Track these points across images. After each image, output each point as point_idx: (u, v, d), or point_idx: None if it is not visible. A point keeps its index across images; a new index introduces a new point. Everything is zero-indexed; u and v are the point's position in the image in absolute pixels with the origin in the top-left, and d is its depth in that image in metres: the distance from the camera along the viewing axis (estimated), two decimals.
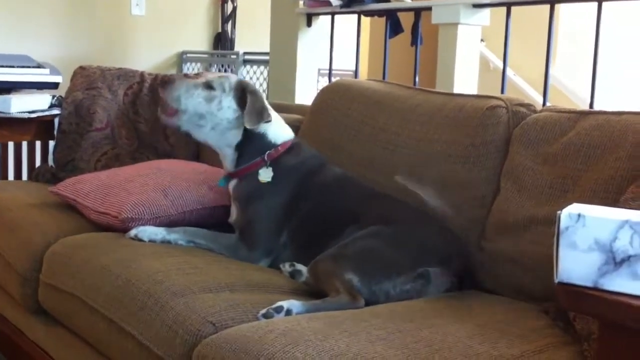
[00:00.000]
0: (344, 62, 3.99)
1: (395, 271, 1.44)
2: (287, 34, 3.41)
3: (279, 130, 1.79)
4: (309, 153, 1.80)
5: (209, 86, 1.75)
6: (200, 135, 1.78)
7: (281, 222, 1.70)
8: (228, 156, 1.78)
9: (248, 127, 1.73)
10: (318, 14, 3.40)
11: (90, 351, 1.63)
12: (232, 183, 1.79)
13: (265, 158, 1.74)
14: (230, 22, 4.68)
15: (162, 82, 1.78)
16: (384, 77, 3.11)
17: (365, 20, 3.97)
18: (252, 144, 1.76)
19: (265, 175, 1.73)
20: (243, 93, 1.75)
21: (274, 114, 1.79)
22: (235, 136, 1.76)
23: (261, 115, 1.74)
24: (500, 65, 2.77)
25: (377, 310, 1.34)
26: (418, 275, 1.44)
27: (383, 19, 3.18)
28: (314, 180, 1.73)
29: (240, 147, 1.76)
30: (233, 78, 1.79)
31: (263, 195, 1.73)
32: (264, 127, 1.76)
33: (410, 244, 1.49)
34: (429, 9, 2.61)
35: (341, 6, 3.16)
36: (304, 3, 3.45)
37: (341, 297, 1.37)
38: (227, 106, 1.74)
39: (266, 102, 1.78)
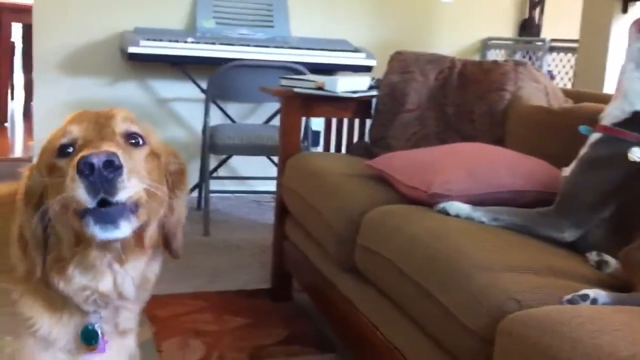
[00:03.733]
0: None
1: None
2: (599, 21, 3.27)
3: None
4: None
5: None
6: (628, 71, 1.75)
7: (608, 197, 1.68)
8: (619, 110, 1.75)
9: None
10: (635, 0, 3.21)
11: (394, 309, 1.78)
12: (594, 137, 1.78)
13: None
14: (538, 8, 4.60)
15: None
16: None
17: None
18: None
19: (637, 154, 1.68)
20: None
21: None
22: None
23: None
24: None
25: None
26: None
27: None
28: None
29: (635, 114, 1.72)
30: None
31: (610, 165, 1.70)
32: None
33: None
34: None
35: None
36: None
37: None
38: None
39: None
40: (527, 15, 4.68)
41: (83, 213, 0.99)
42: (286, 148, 2.64)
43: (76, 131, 1.06)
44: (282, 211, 2.63)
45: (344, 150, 2.83)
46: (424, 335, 1.65)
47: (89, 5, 3.97)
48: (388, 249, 1.81)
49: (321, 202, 2.23)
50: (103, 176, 0.96)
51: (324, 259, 2.25)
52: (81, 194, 0.96)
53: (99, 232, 0.99)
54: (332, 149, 2.85)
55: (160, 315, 2.41)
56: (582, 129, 1.83)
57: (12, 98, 6.70)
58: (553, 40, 4.21)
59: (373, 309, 1.93)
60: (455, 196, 1.90)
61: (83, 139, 1.04)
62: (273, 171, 3.49)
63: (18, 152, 5.03)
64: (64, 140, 1.05)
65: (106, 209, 0.98)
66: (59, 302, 1.12)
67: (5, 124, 5.81)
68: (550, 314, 1.26)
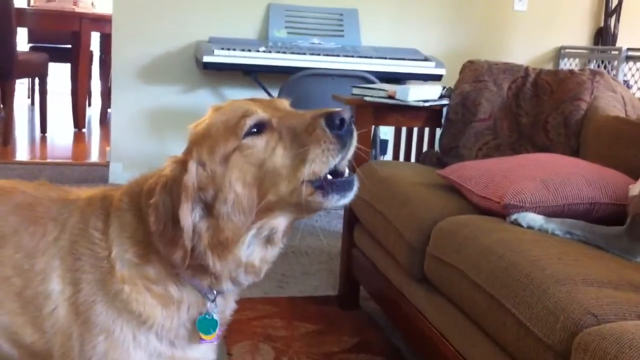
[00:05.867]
0: None
1: None
2: None
3: None
4: None
5: None
6: None
7: None
8: None
9: None
10: None
11: (464, 319, 1.77)
12: None
13: None
14: (614, 16, 4.48)
15: None
16: None
17: None
18: None
19: None
20: None
21: None
22: None
23: None
24: None
25: None
26: None
27: None
28: None
29: None
30: None
31: None
32: None
33: None
34: None
35: None
36: None
37: None
38: None
39: None
40: (602, 24, 4.57)
41: (317, 182, 1.04)
42: (356, 156, 2.64)
43: (262, 112, 1.09)
44: (351, 219, 2.64)
45: (412, 159, 2.83)
46: (494, 347, 1.63)
47: (166, 16, 4.10)
48: (459, 260, 1.80)
49: (392, 210, 2.23)
50: (350, 131, 1.03)
51: (393, 268, 2.25)
52: (335, 152, 1.03)
53: (338, 200, 1.06)
54: (401, 157, 2.85)
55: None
56: None
57: (90, 105, 6.96)
58: (630, 49, 4.10)
59: (443, 319, 1.92)
60: (528, 207, 1.87)
61: (276, 118, 1.08)
62: None
63: (94, 157, 5.22)
64: (251, 121, 1.08)
65: (349, 178, 1.06)
66: (175, 295, 1.16)
67: (83, 130, 6.03)
68: (629, 329, 1.24)
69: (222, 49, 3.70)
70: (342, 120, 1.03)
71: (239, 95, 4.15)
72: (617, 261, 1.64)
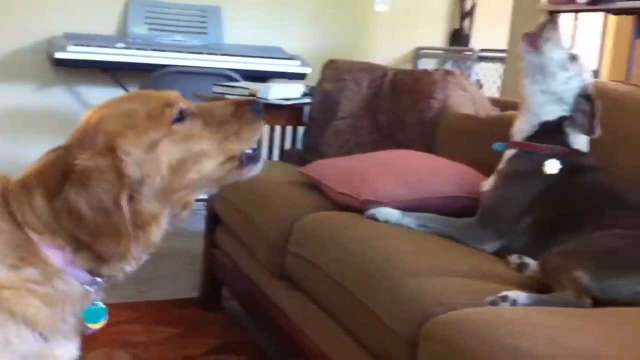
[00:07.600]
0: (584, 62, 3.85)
1: (631, 270, 1.40)
2: (527, 31, 3.38)
3: (583, 139, 1.79)
4: (586, 161, 1.79)
5: (572, 58, 1.76)
6: (527, 85, 1.81)
7: (527, 209, 1.73)
8: (528, 124, 1.81)
9: (592, 135, 1.75)
10: (560, 12, 3.32)
11: (326, 316, 1.78)
12: (509, 152, 1.84)
13: (554, 150, 1.76)
14: (468, 18, 4.71)
15: (550, 20, 1.81)
16: (627, 79, 2.97)
17: (611, 19, 3.80)
18: (554, 132, 1.78)
19: (552, 167, 1.74)
20: (588, 97, 1.76)
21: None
22: (551, 114, 1.78)
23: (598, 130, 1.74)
24: None
25: (607, 311, 1.33)
26: None
27: (631, 18, 3.03)
28: (573, 178, 1.74)
29: (543, 125, 1.79)
30: (590, 75, 1.81)
31: (527, 179, 1.76)
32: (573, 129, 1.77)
33: None
34: None
35: (587, 3, 3.06)
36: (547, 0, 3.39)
37: (567, 294, 1.38)
38: (571, 89, 1.76)
39: None
40: (458, 26, 4.79)
41: (241, 158, 1.20)
42: None
43: (181, 102, 1.18)
44: (213, 219, 2.60)
45: (275, 157, 2.83)
46: (353, 342, 1.65)
47: (17, 11, 3.85)
48: (318, 256, 1.81)
49: (253, 209, 2.22)
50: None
51: (255, 267, 2.23)
52: (260, 131, 1.23)
53: (253, 170, 1.23)
54: (264, 156, 2.84)
55: None
56: (497, 145, 1.89)
57: None
58: (482, 50, 4.32)
59: (304, 316, 1.92)
60: (387, 202, 1.91)
61: (193, 107, 1.19)
62: None
63: None
64: (176, 109, 1.16)
65: (258, 150, 1.25)
66: (61, 291, 1.12)
67: None
68: (472, 315, 1.29)
69: (77, 45, 3.52)
70: (260, 106, 1.24)
71: (96, 93, 3.97)
72: (468, 251, 1.71)
